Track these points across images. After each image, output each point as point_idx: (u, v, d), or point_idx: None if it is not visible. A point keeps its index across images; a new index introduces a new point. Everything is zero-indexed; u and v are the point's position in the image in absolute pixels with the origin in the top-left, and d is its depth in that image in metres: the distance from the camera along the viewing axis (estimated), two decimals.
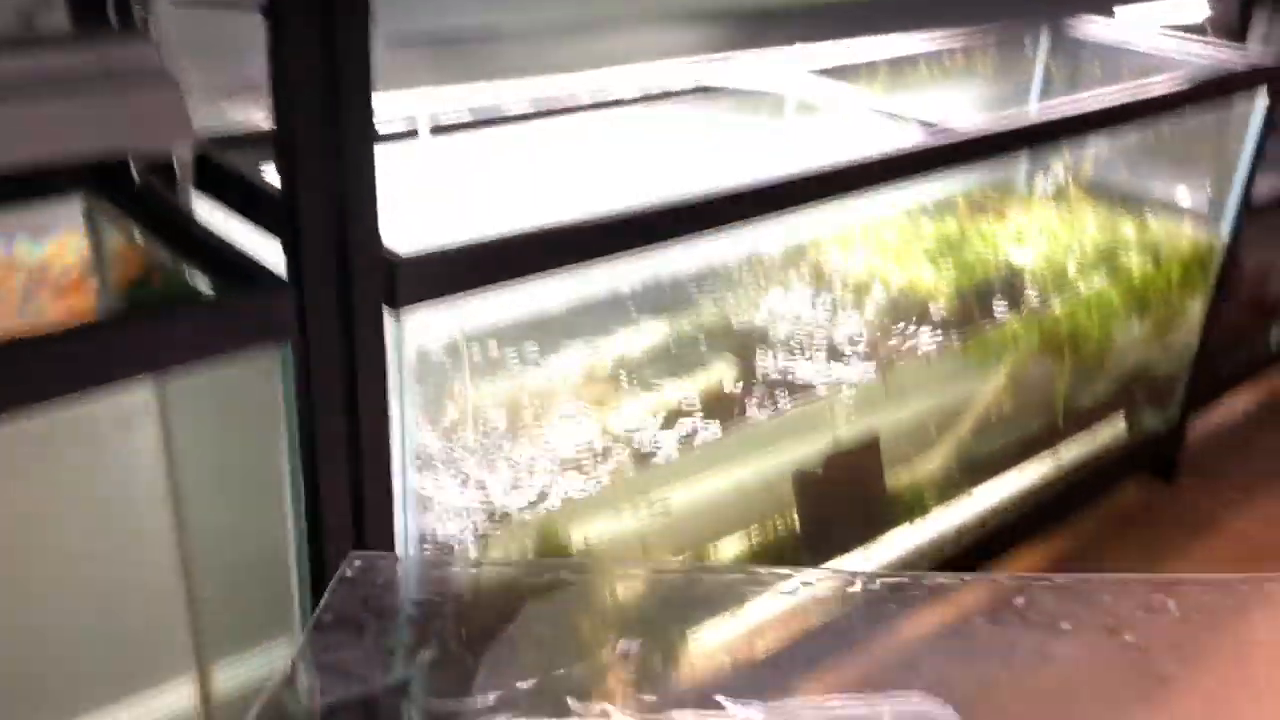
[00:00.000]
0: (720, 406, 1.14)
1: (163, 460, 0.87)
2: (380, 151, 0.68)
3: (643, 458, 1.09)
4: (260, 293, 0.66)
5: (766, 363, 1.12)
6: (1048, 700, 0.78)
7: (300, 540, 0.81)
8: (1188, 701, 0.70)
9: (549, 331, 1.09)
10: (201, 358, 0.63)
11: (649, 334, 1.18)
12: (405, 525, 0.81)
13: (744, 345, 1.16)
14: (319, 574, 0.81)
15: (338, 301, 0.67)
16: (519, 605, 0.79)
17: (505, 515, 0.89)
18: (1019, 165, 1.56)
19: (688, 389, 1.14)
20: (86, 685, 0.97)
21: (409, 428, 0.79)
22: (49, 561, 0.90)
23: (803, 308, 1.24)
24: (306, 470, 0.75)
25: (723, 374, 1.19)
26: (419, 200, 0.90)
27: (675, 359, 1.14)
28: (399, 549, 0.80)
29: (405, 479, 0.79)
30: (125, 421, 0.85)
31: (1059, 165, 1.55)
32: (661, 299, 1.18)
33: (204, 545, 0.95)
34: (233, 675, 1.02)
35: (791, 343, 1.19)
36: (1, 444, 0.81)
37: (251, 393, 0.75)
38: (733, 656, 1.06)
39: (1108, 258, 1.47)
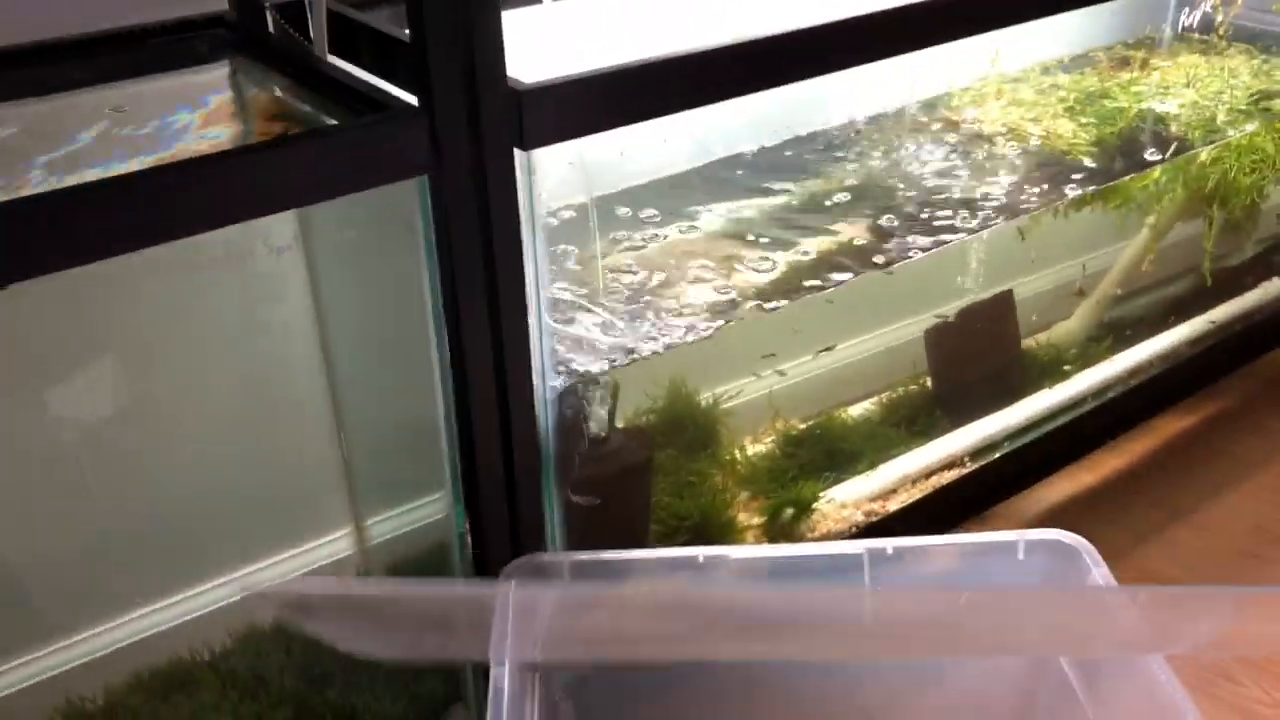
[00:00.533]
0: (850, 263, 1.13)
1: (310, 308, 0.91)
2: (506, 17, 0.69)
3: (769, 315, 1.09)
4: (395, 121, 0.68)
5: (898, 220, 1.10)
6: None
7: (445, 385, 0.84)
8: None
9: (675, 190, 1.10)
10: (342, 187, 0.66)
11: (776, 194, 1.18)
12: (542, 360, 0.84)
13: (875, 203, 1.14)
14: (465, 423, 0.84)
15: (468, 133, 0.69)
16: None
17: (635, 358, 0.90)
18: (1166, 10, 1.48)
19: (816, 246, 1.13)
20: (249, 539, 1.04)
21: (542, 266, 0.81)
22: (205, 410, 0.96)
23: (936, 163, 1.21)
24: (448, 305, 0.78)
25: (853, 232, 1.18)
26: (547, 58, 0.90)
27: (803, 217, 1.13)
28: (535, 382, 0.83)
29: (540, 315, 0.82)
30: (271, 271, 0.90)
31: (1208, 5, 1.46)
32: (789, 160, 1.17)
33: (353, 398, 1.00)
34: (390, 526, 1.07)
35: (924, 200, 1.17)
36: (148, 290, 0.86)
37: (392, 234, 0.78)
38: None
39: (1260, 107, 1.39)
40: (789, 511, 1.11)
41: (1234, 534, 1.31)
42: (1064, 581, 0.81)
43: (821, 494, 1.14)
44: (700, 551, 0.84)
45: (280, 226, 0.88)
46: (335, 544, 1.06)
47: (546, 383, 0.87)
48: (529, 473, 0.87)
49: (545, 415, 0.88)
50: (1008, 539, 0.83)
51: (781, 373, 1.22)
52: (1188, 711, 0.68)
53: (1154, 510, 1.34)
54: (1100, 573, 0.80)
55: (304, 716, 0.91)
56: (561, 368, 0.89)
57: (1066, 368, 1.35)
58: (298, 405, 1.01)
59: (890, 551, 0.83)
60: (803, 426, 1.20)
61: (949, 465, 1.23)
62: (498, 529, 0.89)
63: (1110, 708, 0.77)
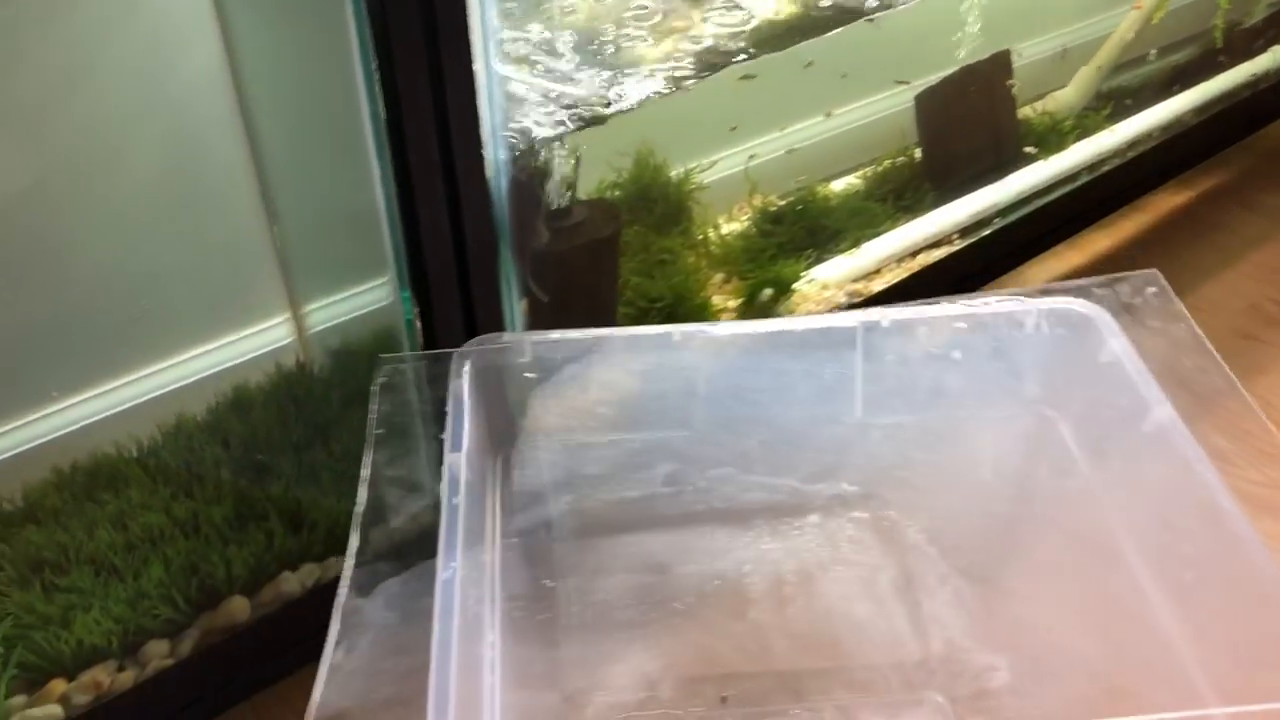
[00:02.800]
0: (834, 18, 1.01)
1: (223, 59, 0.79)
2: None
3: (746, 78, 0.97)
4: None
5: None
6: None
7: (380, 150, 0.73)
8: None
9: None
10: None
11: None
12: (491, 119, 0.73)
13: None
14: (406, 192, 0.74)
15: None
16: None
17: (597, 117, 0.79)
18: None
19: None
20: (187, 323, 0.94)
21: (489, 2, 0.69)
22: (114, 186, 0.85)
23: None
24: (380, 50, 0.66)
25: None
26: None
27: None
28: (486, 146, 0.72)
29: (489, 63, 0.71)
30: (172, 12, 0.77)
31: None
32: None
33: (280, 168, 0.89)
34: (330, 314, 0.98)
35: None
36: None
37: None
38: None
39: None
40: (767, 292, 1.03)
41: (1229, 314, 1.24)
42: (1078, 354, 0.74)
43: (802, 274, 1.06)
44: (675, 329, 0.75)
45: None
46: (272, 331, 0.97)
47: (498, 145, 0.77)
48: (482, 249, 0.78)
49: (498, 182, 0.78)
50: (1018, 308, 0.75)
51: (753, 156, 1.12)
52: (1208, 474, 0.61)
53: None
54: (1119, 344, 0.72)
55: (244, 513, 0.84)
56: (513, 128, 0.78)
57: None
58: (218, 177, 0.90)
59: (886, 324, 0.75)
60: (782, 203, 1.10)
61: (936, 243, 1.14)
62: (449, 313, 0.79)
63: (1119, 478, 0.70)
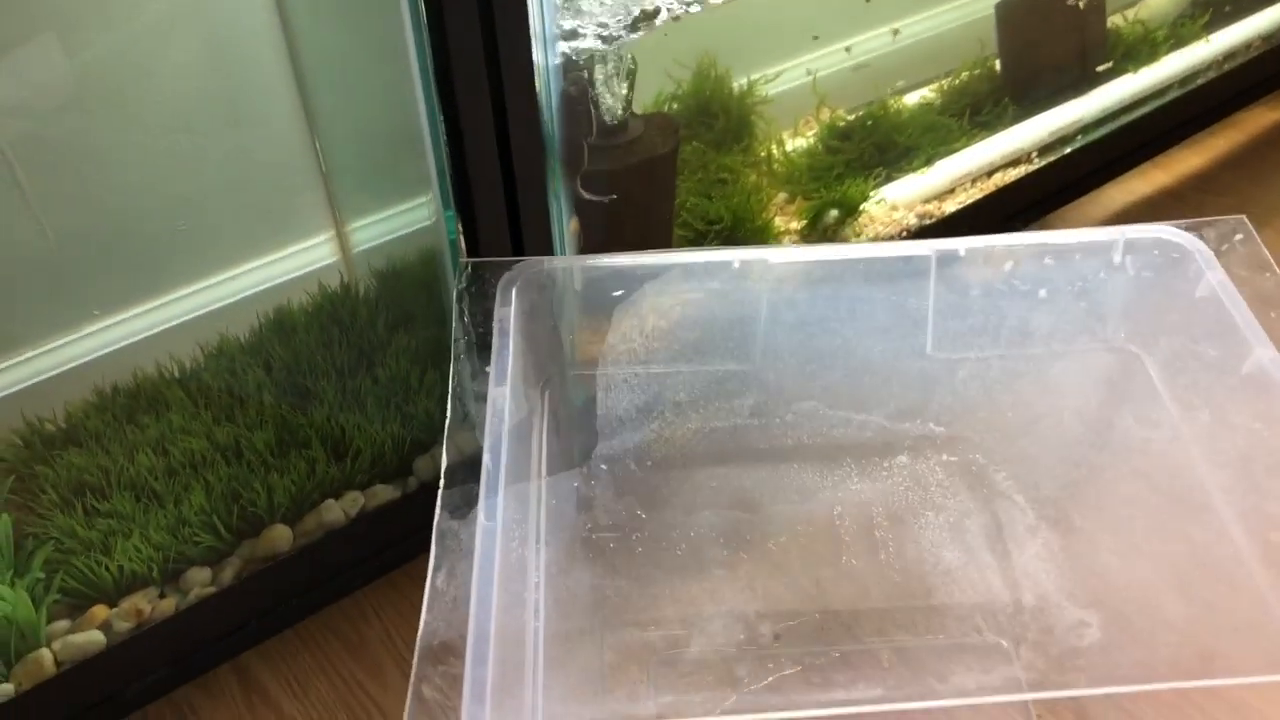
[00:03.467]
0: None
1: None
2: None
3: None
4: None
5: None
6: None
7: (421, 55, 0.69)
8: None
9: None
10: None
11: None
12: (544, 23, 0.68)
13: None
14: (450, 102, 0.69)
15: None
16: None
17: (655, 24, 0.74)
18: None
19: None
20: (229, 240, 0.91)
21: None
22: (154, 100, 0.81)
23: None
24: None
25: None
26: None
27: None
28: (535, 52, 0.67)
29: None
30: None
31: None
32: None
33: (322, 78, 0.84)
34: (376, 232, 0.95)
35: None
36: None
37: None
38: None
39: None
40: (833, 213, 0.97)
41: None
42: (1171, 290, 0.68)
43: (871, 194, 1.00)
44: (735, 255, 0.70)
45: None
46: (315, 250, 0.93)
47: (549, 52, 0.71)
48: (529, 165, 0.73)
49: (548, 93, 0.73)
50: (1103, 237, 0.69)
51: (850, 51, 1.05)
52: None
53: (1234, 213, 1.19)
54: (1215, 277, 0.67)
55: (286, 439, 0.81)
56: (566, 35, 0.73)
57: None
58: (259, 90, 0.86)
59: (963, 253, 0.69)
60: (851, 118, 1.04)
61: (1014, 162, 1.08)
62: (495, 234, 0.75)
63: (1211, 424, 0.65)
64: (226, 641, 0.81)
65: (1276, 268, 0.68)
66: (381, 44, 0.72)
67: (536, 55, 0.69)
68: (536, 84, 0.70)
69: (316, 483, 0.80)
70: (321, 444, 0.81)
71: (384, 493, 0.83)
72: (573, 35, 0.73)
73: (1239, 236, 0.71)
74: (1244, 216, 0.71)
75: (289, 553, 0.79)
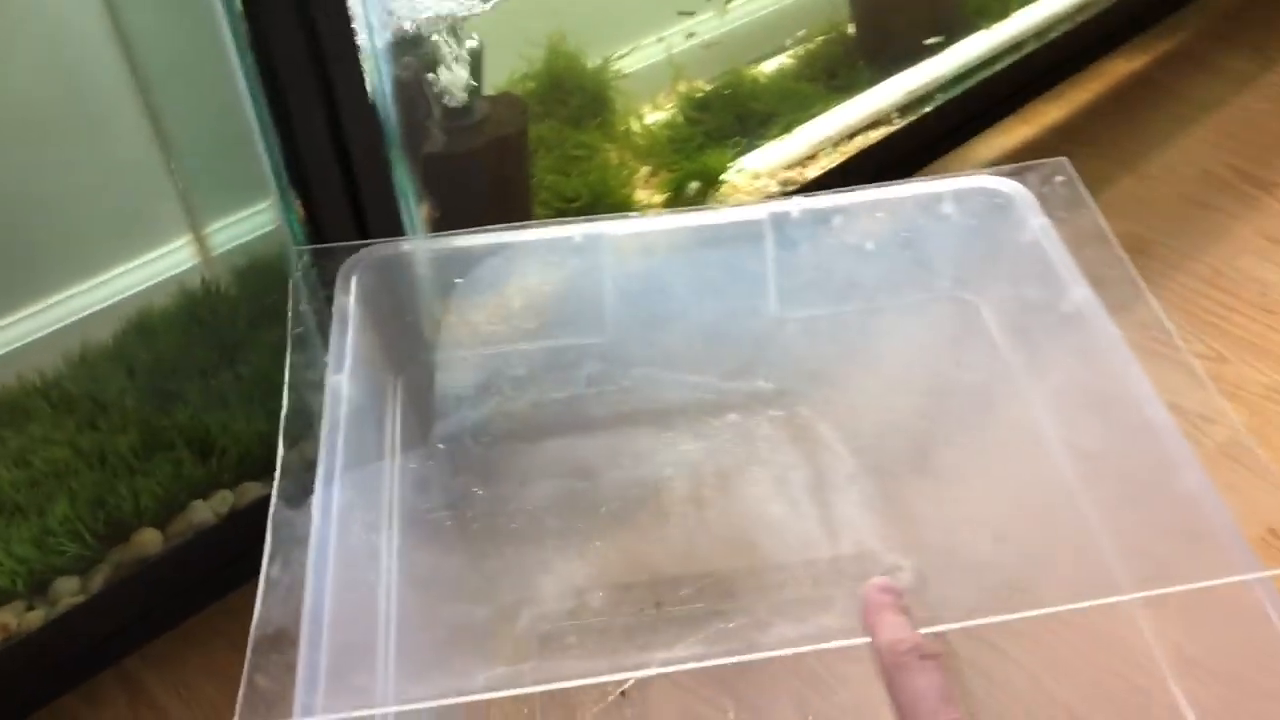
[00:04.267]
0: None
1: None
2: None
3: None
4: None
5: None
6: None
7: (239, 43, 0.68)
8: None
9: None
10: None
11: None
12: (365, 9, 0.68)
13: None
14: (275, 95, 0.69)
15: None
16: None
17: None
18: None
19: None
20: (88, 250, 0.91)
21: None
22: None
23: None
24: None
25: None
26: None
27: None
28: (360, 34, 0.67)
29: None
30: None
31: None
32: None
33: (159, 80, 0.84)
34: (234, 233, 0.94)
35: None
36: None
37: None
38: None
39: None
40: (694, 185, 0.99)
41: (1181, 180, 1.21)
42: (998, 237, 0.70)
43: (731, 163, 1.01)
44: (576, 230, 0.71)
45: None
46: (175, 255, 0.93)
47: (376, 36, 0.72)
48: (367, 152, 0.73)
49: (379, 78, 0.73)
50: (932, 189, 0.71)
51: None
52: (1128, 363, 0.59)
53: (1097, 160, 1.23)
54: (1037, 221, 0.69)
55: (151, 442, 0.81)
56: (398, 13, 0.73)
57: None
58: (103, 100, 0.85)
59: (796, 214, 0.71)
60: (708, 88, 1.05)
61: (874, 123, 1.10)
62: (339, 224, 0.75)
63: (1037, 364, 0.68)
64: (103, 649, 0.80)
65: (1094, 208, 0.71)
66: (207, 40, 0.72)
67: (362, 39, 0.69)
68: (365, 68, 0.70)
69: (183, 484, 0.80)
70: (187, 445, 0.81)
71: (254, 490, 0.83)
72: (403, 17, 0.74)
73: (1060, 179, 0.73)
74: (1064, 159, 0.73)
75: (160, 555, 0.79)
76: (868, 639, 0.48)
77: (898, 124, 1.10)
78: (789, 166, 1.05)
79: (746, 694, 0.81)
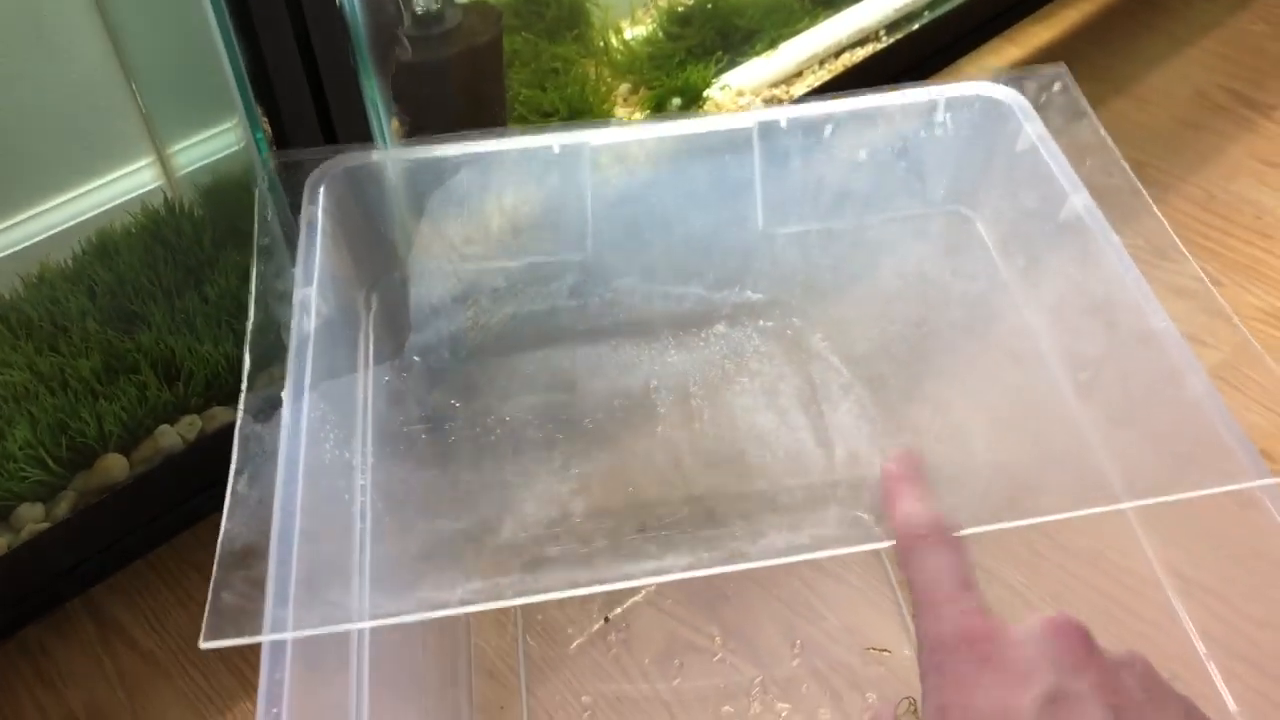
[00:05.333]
0: None
1: None
2: None
3: None
4: None
5: None
6: None
7: None
8: None
9: None
10: None
11: None
12: None
13: None
14: (247, 29, 0.66)
15: None
16: None
17: None
18: None
19: None
20: (47, 170, 0.87)
21: None
22: None
23: None
24: None
25: None
26: None
27: None
28: None
29: None
30: None
31: None
32: None
33: (128, 16, 0.80)
34: (199, 153, 0.91)
35: None
36: None
37: None
38: None
39: None
40: (675, 102, 0.95)
41: (1175, 103, 1.18)
42: (992, 146, 0.68)
43: (714, 80, 0.98)
44: (555, 138, 0.68)
45: None
46: (138, 175, 0.89)
47: None
48: (334, 60, 0.70)
49: None
50: (927, 96, 0.68)
51: None
52: (1129, 270, 0.56)
53: (1089, 83, 1.19)
54: (1034, 129, 0.66)
55: (114, 365, 0.78)
56: None
57: None
58: (61, 14, 0.81)
59: (784, 124, 0.68)
60: (690, 2, 1.02)
61: (861, 41, 1.07)
62: (306, 136, 0.72)
63: (1033, 273, 0.65)
64: (69, 577, 0.78)
65: (1094, 116, 0.68)
66: None
67: None
68: None
69: (149, 409, 0.77)
70: (151, 368, 0.78)
71: (223, 414, 0.80)
72: None
73: (1057, 86, 0.70)
74: (1063, 66, 0.71)
75: (126, 482, 0.77)
76: (860, 547, 0.47)
77: (885, 41, 1.07)
78: (774, 84, 1.02)
79: (732, 621, 0.79)
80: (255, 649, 0.46)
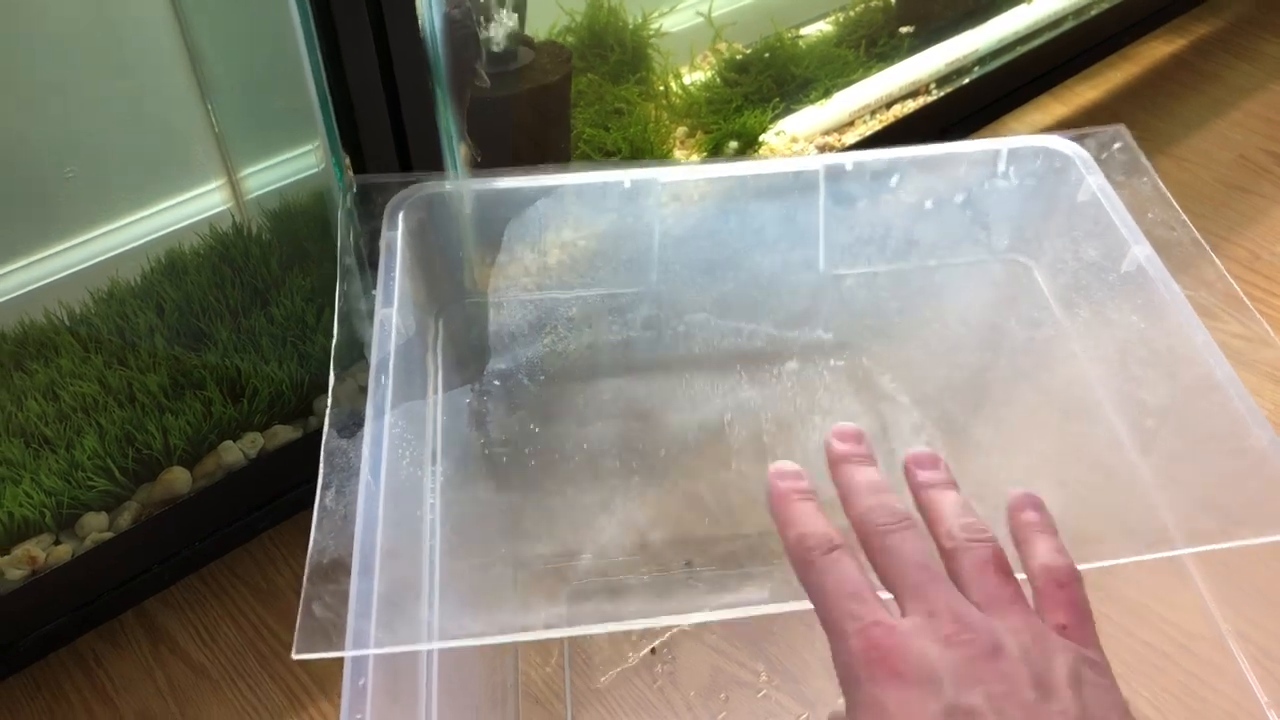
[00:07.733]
0: None
1: None
2: None
3: None
4: None
5: None
6: None
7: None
8: None
9: None
10: None
11: None
12: None
13: None
14: (328, 35, 0.68)
15: None
16: None
17: None
18: None
19: None
20: (120, 190, 0.89)
21: None
22: (34, 48, 0.79)
23: None
24: None
25: None
26: None
27: None
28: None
29: None
30: None
31: None
32: None
33: (210, 37, 0.83)
34: (270, 177, 0.93)
35: None
36: None
37: None
38: None
39: None
40: (732, 145, 0.97)
41: (1218, 165, 1.20)
42: (1053, 197, 0.69)
43: (770, 126, 1.00)
44: (626, 174, 0.70)
45: None
46: (209, 197, 0.91)
47: None
48: (415, 92, 0.72)
49: (430, 16, 0.71)
50: (987, 147, 0.70)
51: None
52: (1188, 316, 0.58)
53: None
54: (1096, 181, 0.68)
55: (180, 381, 0.80)
56: None
57: None
58: (144, 39, 0.83)
59: (849, 167, 0.70)
60: (748, 50, 1.04)
61: (912, 93, 1.09)
62: (383, 165, 0.74)
63: (1093, 323, 0.67)
64: (128, 588, 0.79)
65: (1153, 173, 0.70)
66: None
67: None
68: (418, 6, 0.69)
69: (213, 424, 0.79)
70: (217, 385, 0.80)
71: (284, 433, 0.82)
72: None
73: (1118, 145, 0.72)
74: (1122, 125, 0.72)
75: (188, 495, 0.78)
76: None
77: (935, 95, 1.09)
78: (827, 132, 1.04)
79: (778, 657, 0.80)
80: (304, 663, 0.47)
